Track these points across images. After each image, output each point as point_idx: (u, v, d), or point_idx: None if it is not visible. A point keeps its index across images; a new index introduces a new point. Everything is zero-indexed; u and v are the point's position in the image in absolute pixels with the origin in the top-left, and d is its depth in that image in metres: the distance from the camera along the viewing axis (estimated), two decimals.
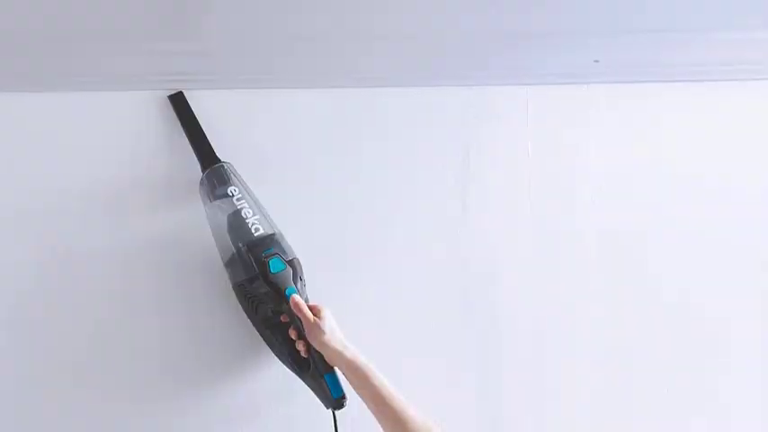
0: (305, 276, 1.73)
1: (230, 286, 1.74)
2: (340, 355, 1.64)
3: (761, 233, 1.92)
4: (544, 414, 1.85)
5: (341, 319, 1.69)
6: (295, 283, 1.70)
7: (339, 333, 1.67)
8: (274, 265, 1.68)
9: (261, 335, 1.74)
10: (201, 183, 1.75)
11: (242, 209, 1.72)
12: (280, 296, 1.68)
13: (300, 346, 1.69)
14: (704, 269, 1.90)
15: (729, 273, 1.90)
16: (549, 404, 1.86)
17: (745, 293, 1.90)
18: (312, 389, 1.70)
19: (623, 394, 1.87)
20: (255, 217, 1.72)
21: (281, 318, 1.71)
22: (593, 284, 1.88)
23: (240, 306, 1.73)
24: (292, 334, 1.70)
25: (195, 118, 1.78)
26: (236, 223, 1.71)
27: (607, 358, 1.86)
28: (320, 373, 1.67)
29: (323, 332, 1.65)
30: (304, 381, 1.71)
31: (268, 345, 1.74)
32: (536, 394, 1.86)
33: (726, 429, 1.88)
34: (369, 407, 1.61)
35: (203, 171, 1.75)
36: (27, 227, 1.75)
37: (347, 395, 1.68)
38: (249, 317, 1.73)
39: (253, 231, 1.70)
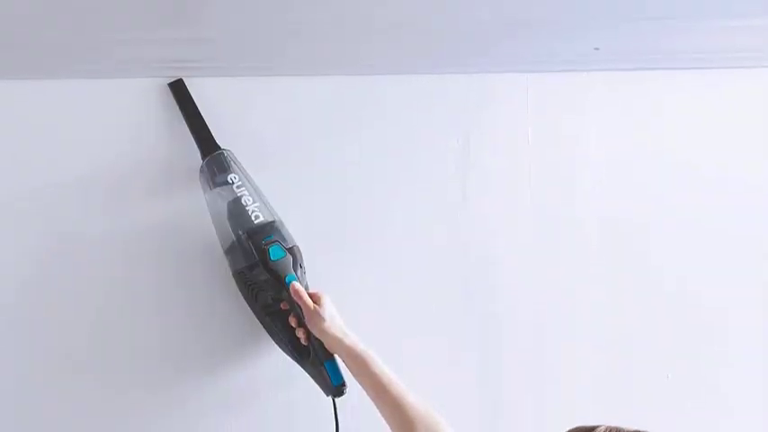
0: (305, 263, 1.74)
1: (230, 274, 1.74)
2: (340, 342, 1.64)
3: (761, 221, 1.92)
4: (544, 399, 1.86)
5: (341, 305, 1.70)
6: (295, 271, 1.70)
7: (339, 320, 1.67)
8: (274, 252, 1.69)
9: (261, 322, 1.74)
10: (201, 170, 1.75)
11: (242, 196, 1.72)
12: (280, 283, 1.68)
13: (300, 334, 1.69)
14: (705, 257, 1.90)
15: (730, 261, 1.90)
16: (550, 389, 1.86)
17: (746, 282, 1.90)
18: (312, 376, 1.71)
19: (623, 380, 1.87)
20: (255, 204, 1.72)
21: (281, 305, 1.71)
22: (593, 270, 1.88)
23: (240, 293, 1.74)
24: (292, 321, 1.70)
25: (195, 105, 1.78)
26: (236, 210, 1.71)
27: (607, 345, 1.87)
28: (320, 361, 1.68)
29: (323, 319, 1.65)
30: (304, 368, 1.71)
31: (268, 332, 1.74)
32: (536, 381, 1.86)
33: (726, 417, 1.88)
34: (368, 394, 1.62)
35: (203, 158, 1.75)
36: (27, 214, 1.75)
37: (347, 382, 1.68)
38: (249, 304, 1.74)
39: (253, 219, 1.70)
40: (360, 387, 1.63)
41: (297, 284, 1.67)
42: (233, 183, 1.73)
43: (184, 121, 1.77)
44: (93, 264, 1.76)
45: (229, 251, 1.73)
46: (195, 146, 1.76)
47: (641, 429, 1.37)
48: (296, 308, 1.68)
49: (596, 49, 1.82)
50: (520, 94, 1.89)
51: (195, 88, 1.78)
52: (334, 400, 1.70)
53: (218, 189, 1.73)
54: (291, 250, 1.71)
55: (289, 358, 1.73)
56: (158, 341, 1.77)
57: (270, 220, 1.72)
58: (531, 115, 1.89)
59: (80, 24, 1.64)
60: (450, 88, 1.87)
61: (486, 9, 1.68)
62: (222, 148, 1.75)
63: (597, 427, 1.37)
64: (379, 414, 1.60)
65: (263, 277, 1.69)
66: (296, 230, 1.75)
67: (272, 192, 1.76)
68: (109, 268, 1.77)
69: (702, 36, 1.80)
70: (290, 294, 1.67)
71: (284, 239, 1.71)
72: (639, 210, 1.89)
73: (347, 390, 1.69)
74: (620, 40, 1.80)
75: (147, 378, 1.77)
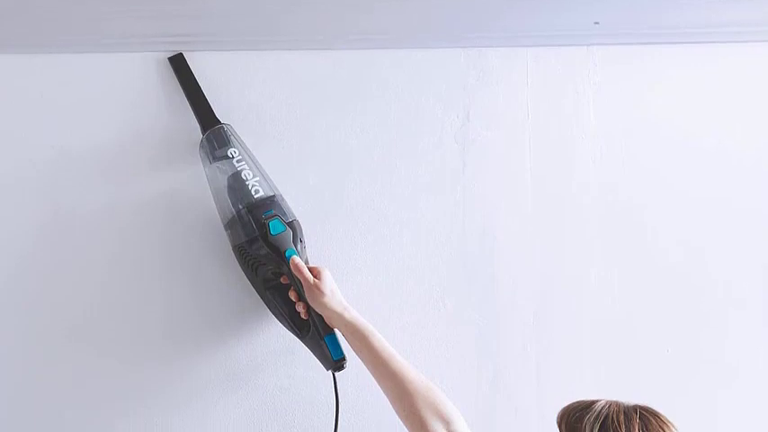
0: (305, 238, 1.74)
1: (230, 248, 1.74)
2: (340, 316, 1.64)
3: (761, 194, 1.91)
4: (543, 373, 1.86)
5: (341, 278, 1.70)
6: (295, 245, 1.70)
7: (339, 294, 1.67)
8: (274, 226, 1.69)
9: (261, 296, 1.75)
10: (201, 144, 1.75)
11: (242, 170, 1.72)
12: (280, 258, 1.68)
13: (300, 308, 1.69)
14: (704, 231, 1.90)
15: (730, 235, 1.90)
16: (549, 364, 1.86)
17: (746, 256, 1.90)
18: (312, 350, 1.71)
19: (623, 353, 1.87)
20: (255, 179, 1.72)
21: (281, 279, 1.72)
22: (593, 243, 1.88)
23: (240, 268, 1.74)
24: (292, 296, 1.70)
25: (195, 79, 1.78)
26: (237, 185, 1.71)
27: (606, 318, 1.87)
28: (320, 335, 1.68)
29: (323, 294, 1.65)
30: (304, 342, 1.72)
31: (268, 306, 1.74)
32: (536, 355, 1.86)
33: (727, 390, 1.88)
34: (368, 368, 1.62)
35: (203, 133, 1.75)
36: (28, 188, 1.76)
37: (347, 357, 1.69)
38: (249, 279, 1.74)
39: (253, 193, 1.71)
40: (359, 361, 1.64)
41: (297, 259, 1.68)
42: (233, 157, 1.73)
43: (184, 96, 1.77)
44: (93, 238, 1.77)
45: (229, 225, 1.73)
46: (195, 120, 1.76)
47: (640, 404, 1.38)
48: (296, 282, 1.68)
49: (596, 23, 1.81)
50: (519, 69, 1.89)
51: (195, 62, 1.78)
52: (334, 375, 1.70)
53: (218, 163, 1.73)
54: (291, 224, 1.71)
55: (289, 332, 1.73)
56: (158, 315, 1.78)
57: (270, 194, 1.72)
58: (531, 89, 1.89)
59: None
60: (449, 63, 1.87)
61: None
62: (222, 122, 1.75)
63: (597, 401, 1.38)
64: (378, 388, 1.61)
65: (263, 252, 1.69)
66: (296, 205, 1.75)
67: (271, 166, 1.77)
68: (108, 243, 1.77)
69: (703, 10, 1.79)
70: (290, 268, 1.67)
71: (284, 214, 1.71)
72: (639, 182, 1.89)
73: (347, 364, 1.69)
74: (621, 14, 1.80)
75: (147, 351, 1.77)
